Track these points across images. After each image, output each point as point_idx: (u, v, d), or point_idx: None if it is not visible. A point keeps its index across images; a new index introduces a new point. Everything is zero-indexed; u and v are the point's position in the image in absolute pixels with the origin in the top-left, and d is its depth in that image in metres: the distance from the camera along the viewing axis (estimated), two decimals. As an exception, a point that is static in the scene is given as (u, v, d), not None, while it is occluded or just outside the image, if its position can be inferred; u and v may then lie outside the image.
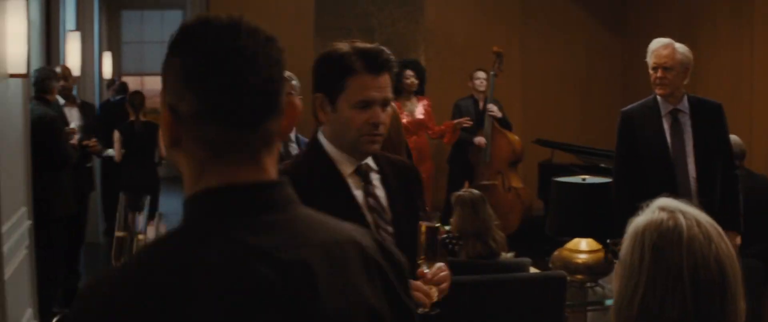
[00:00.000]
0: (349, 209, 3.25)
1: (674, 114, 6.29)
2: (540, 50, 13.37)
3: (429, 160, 10.40)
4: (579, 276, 6.87)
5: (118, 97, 12.92)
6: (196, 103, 1.72)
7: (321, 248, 1.78)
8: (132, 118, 10.04)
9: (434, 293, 3.20)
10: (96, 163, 10.36)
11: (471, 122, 10.44)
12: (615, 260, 2.47)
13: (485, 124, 10.55)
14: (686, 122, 6.29)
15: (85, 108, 9.95)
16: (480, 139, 10.49)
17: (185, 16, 15.00)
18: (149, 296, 1.59)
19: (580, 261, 6.98)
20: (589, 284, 6.95)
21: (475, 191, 6.22)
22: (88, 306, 1.63)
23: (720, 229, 2.32)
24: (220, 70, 1.73)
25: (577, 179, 7.39)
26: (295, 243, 1.73)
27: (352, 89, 3.24)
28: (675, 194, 5.51)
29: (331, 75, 3.28)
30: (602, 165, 10.18)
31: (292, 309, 1.67)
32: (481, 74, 10.79)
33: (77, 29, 11.81)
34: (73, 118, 9.35)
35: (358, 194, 3.36)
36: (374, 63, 3.25)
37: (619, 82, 13.03)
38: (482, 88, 10.72)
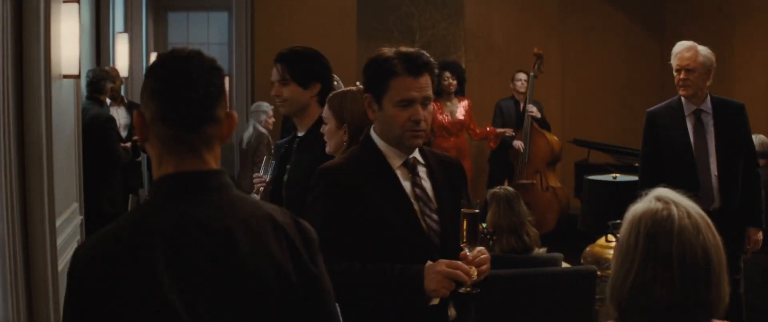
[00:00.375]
0: (397, 198, 3.60)
1: (697, 114, 6.41)
2: (578, 52, 13.45)
3: (468, 159, 10.50)
4: (610, 271, 7.03)
5: None
6: (155, 111, 2.39)
7: (242, 219, 2.42)
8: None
9: (474, 272, 3.45)
10: (144, 158, 10.76)
11: (513, 133, 10.66)
12: (616, 239, 2.70)
13: (524, 125, 10.72)
14: (709, 122, 6.41)
15: (132, 107, 10.25)
16: (518, 144, 10.69)
17: (231, 18, 15.39)
18: (119, 250, 2.29)
19: (611, 256, 7.14)
20: None
21: (510, 188, 6.42)
22: (77, 258, 2.33)
23: (709, 220, 2.53)
24: (170, 88, 2.40)
25: (608, 177, 7.60)
26: (222, 215, 2.39)
27: (395, 90, 3.55)
28: (697, 191, 5.71)
29: (376, 77, 3.61)
30: (636, 164, 10.15)
31: (217, 262, 2.33)
32: (522, 76, 10.98)
33: (125, 31, 12.05)
34: (120, 117, 9.67)
35: (406, 184, 3.64)
36: (414, 65, 3.55)
37: (656, 84, 13.04)
38: (523, 90, 10.91)
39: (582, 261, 7.27)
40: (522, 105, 10.95)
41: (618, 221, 2.72)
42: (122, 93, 10.36)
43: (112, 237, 2.34)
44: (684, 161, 6.40)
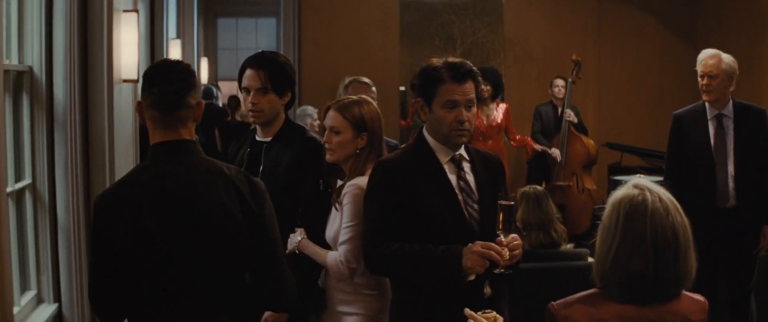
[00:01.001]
0: (443, 189, 4.15)
1: (719, 118, 6.69)
2: (615, 58, 13.56)
3: (504, 161, 10.65)
4: None
5: (206, 101, 13.59)
6: (147, 100, 3.52)
7: (202, 173, 3.49)
8: (228, 118, 10.78)
9: (506, 254, 3.89)
10: None
11: (548, 150, 10.98)
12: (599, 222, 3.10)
13: (562, 129, 10.97)
14: (729, 126, 6.69)
15: None
16: (555, 152, 10.98)
17: (279, 24, 15.44)
18: (118, 194, 3.47)
19: None
20: None
21: (539, 188, 6.73)
22: (95, 200, 3.54)
23: (677, 204, 2.96)
24: (155, 84, 3.52)
25: (633, 177, 7.88)
26: (189, 170, 3.48)
27: (441, 94, 4.14)
28: (714, 190, 6.07)
29: (427, 84, 4.20)
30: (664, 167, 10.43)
31: (183, 203, 3.44)
32: (560, 82, 11.27)
33: (178, 37, 12.40)
34: None
35: (452, 177, 4.18)
36: (458, 73, 4.14)
37: (690, 89, 12.66)
38: (560, 95, 11.21)
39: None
40: (560, 110, 11.20)
41: (603, 206, 3.11)
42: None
43: (116, 186, 3.58)
44: (703, 161, 6.67)
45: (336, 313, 4.56)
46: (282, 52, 13.68)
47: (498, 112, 10.36)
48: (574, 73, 11.10)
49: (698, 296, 3.11)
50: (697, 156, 6.77)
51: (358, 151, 4.51)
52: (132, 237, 3.34)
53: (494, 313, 3.37)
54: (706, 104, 6.77)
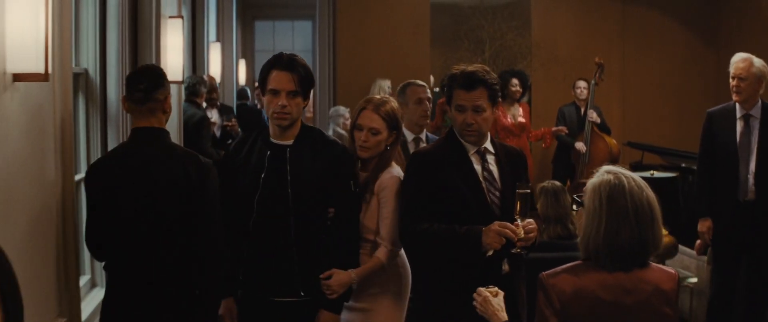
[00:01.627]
0: (469, 177, 4.65)
1: (746, 118, 7.01)
2: (638, 61, 13.81)
3: (529, 158, 10.94)
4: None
5: (239, 102, 14.06)
6: (127, 95, 4.51)
7: (159, 152, 4.46)
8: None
9: (521, 233, 4.36)
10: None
11: (566, 130, 11.28)
12: (578, 208, 3.54)
13: (585, 129, 11.28)
14: (755, 125, 7.00)
15: (223, 109, 11.28)
16: (580, 145, 11.26)
17: (315, 27, 15.74)
18: (100, 165, 4.59)
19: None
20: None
21: (557, 183, 7.08)
22: (88, 169, 4.68)
23: (645, 183, 3.44)
24: (131, 83, 4.50)
25: (646, 173, 8.24)
26: (154, 150, 4.46)
27: (455, 99, 4.68)
28: (736, 185, 6.44)
29: (446, 89, 4.82)
30: (683, 165, 10.83)
31: (142, 173, 4.40)
32: (582, 83, 11.58)
33: (217, 40, 12.77)
34: (214, 117, 10.67)
35: (477, 167, 4.67)
36: (467, 81, 4.63)
37: (712, 91, 13.27)
38: (583, 96, 11.51)
39: None
40: (583, 110, 11.51)
41: (579, 194, 3.57)
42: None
43: (102, 157, 4.98)
44: (728, 157, 7.01)
45: (367, 294, 4.85)
46: (318, 54, 14.37)
47: (521, 112, 10.78)
48: (597, 75, 11.35)
49: (669, 269, 3.57)
50: (723, 152, 7.07)
51: (387, 147, 4.81)
52: (104, 195, 4.41)
53: (496, 288, 3.86)
54: (737, 104, 7.07)
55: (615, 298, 3.39)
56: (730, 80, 7.09)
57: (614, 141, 11.58)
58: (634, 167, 11.55)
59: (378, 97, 4.98)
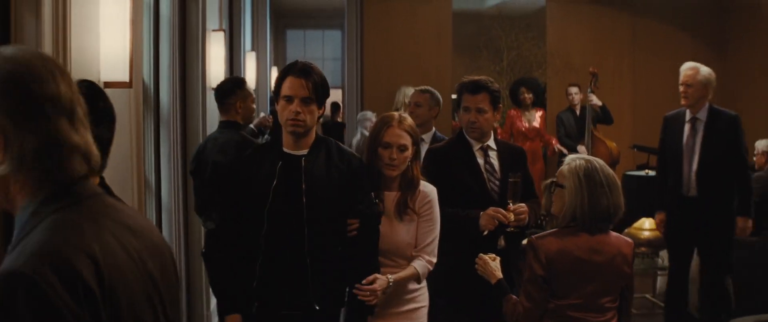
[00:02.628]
0: (473, 169, 5.48)
1: (693, 121, 7.53)
2: (648, 69, 14.28)
3: (541, 161, 11.82)
4: (643, 248, 8.65)
5: (272, 108, 14.55)
6: None
7: (226, 135, 6.43)
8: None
9: (511, 217, 5.20)
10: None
11: (567, 152, 11.58)
12: (554, 190, 4.35)
13: (585, 135, 11.76)
14: (700, 128, 7.48)
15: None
16: (582, 149, 11.64)
17: (343, 35, 16.14)
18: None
19: (643, 237, 8.75)
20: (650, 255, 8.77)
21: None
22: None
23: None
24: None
25: (642, 172, 8.96)
26: (223, 134, 6.46)
27: (463, 102, 5.57)
28: (681, 183, 7.04)
29: (457, 94, 5.67)
30: None
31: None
32: (573, 89, 12.19)
33: (253, 49, 13.34)
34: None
35: (480, 161, 5.50)
36: (473, 87, 5.52)
37: (718, 98, 13.47)
38: (576, 101, 12.11)
39: None
40: (578, 112, 12.06)
41: (552, 180, 4.40)
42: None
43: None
44: (676, 156, 7.54)
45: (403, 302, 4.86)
46: (346, 62, 14.79)
47: (537, 116, 11.44)
48: (592, 83, 11.73)
49: (627, 238, 4.54)
50: (672, 152, 7.60)
51: (410, 162, 4.72)
52: None
53: (493, 255, 4.79)
54: (686, 109, 7.62)
55: (588, 257, 4.27)
56: (679, 87, 7.64)
57: (614, 144, 12.03)
58: (639, 168, 12.18)
59: (396, 113, 4.82)
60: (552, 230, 4.42)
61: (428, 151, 5.71)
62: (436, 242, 4.73)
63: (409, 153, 4.67)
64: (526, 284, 4.33)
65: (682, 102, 7.70)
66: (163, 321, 2.12)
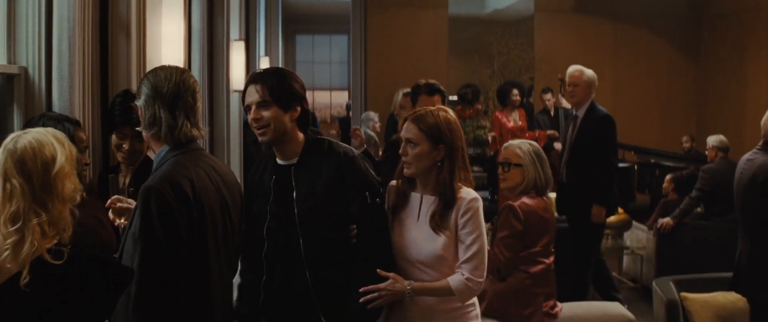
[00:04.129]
0: None
1: (575, 118, 8.09)
2: (629, 73, 15.12)
3: None
4: (608, 231, 9.51)
5: None
6: None
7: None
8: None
9: None
10: None
11: (557, 134, 12.42)
12: (509, 169, 5.49)
13: (560, 132, 12.34)
14: (577, 123, 8.00)
15: None
16: (558, 145, 12.15)
17: (349, 41, 16.76)
18: None
19: (608, 221, 9.38)
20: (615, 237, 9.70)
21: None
22: None
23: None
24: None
25: None
26: None
27: (419, 102, 6.47)
28: (558, 172, 8.04)
29: (412, 94, 6.63)
30: (652, 160, 12.30)
31: None
32: (546, 95, 12.94)
33: (266, 54, 14.04)
34: None
35: None
36: (429, 89, 6.50)
37: (693, 99, 14.86)
38: (550, 104, 12.87)
39: None
40: (552, 112, 12.79)
41: (504, 160, 5.56)
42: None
43: None
44: (563, 148, 8.26)
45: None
46: (351, 65, 15.48)
47: (520, 116, 12.19)
48: (562, 88, 11.81)
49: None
50: (563, 143, 8.25)
51: (438, 163, 4.18)
52: None
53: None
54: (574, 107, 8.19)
55: (545, 214, 5.48)
56: (567, 87, 8.02)
57: None
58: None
59: (424, 108, 4.31)
60: (521, 196, 5.50)
61: (389, 142, 5.97)
62: (481, 256, 4.11)
63: (420, 150, 4.14)
64: (505, 238, 5.38)
65: (570, 100, 8.21)
66: (228, 221, 3.66)
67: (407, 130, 4.21)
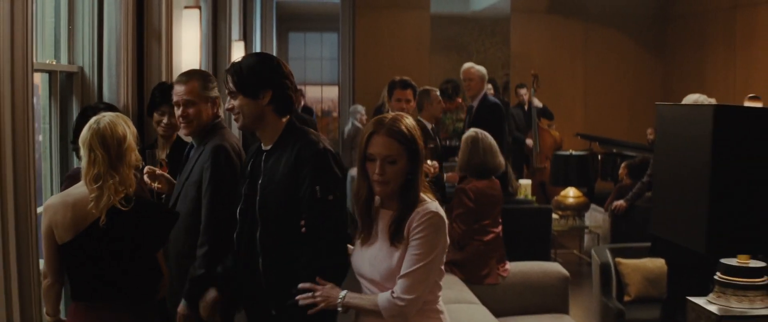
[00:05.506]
0: None
1: (470, 109, 8.97)
2: (598, 69, 15.79)
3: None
4: (569, 212, 10.52)
5: None
6: None
7: None
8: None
9: (430, 170, 6.32)
10: None
11: (531, 147, 13.26)
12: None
13: (532, 126, 13.28)
14: (473, 113, 8.79)
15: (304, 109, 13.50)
16: (529, 142, 13.29)
17: (339, 38, 17.11)
18: None
19: (568, 203, 10.62)
20: (574, 217, 10.57)
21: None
22: None
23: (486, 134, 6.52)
24: None
25: (566, 152, 10.92)
26: None
27: (394, 95, 7.30)
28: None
29: (389, 89, 7.36)
30: (614, 150, 13.09)
31: None
32: (522, 90, 13.76)
33: (262, 51, 14.19)
34: None
35: None
36: (403, 84, 7.29)
37: (659, 94, 15.55)
38: (525, 99, 13.64)
39: (551, 206, 10.27)
40: (526, 106, 13.54)
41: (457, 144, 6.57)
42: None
43: None
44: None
45: None
46: (340, 61, 16.14)
47: None
48: (535, 84, 13.22)
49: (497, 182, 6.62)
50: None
51: (409, 177, 3.67)
52: None
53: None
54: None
55: (490, 192, 6.42)
56: (463, 82, 8.85)
57: (557, 133, 13.43)
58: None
59: (391, 114, 3.75)
60: (470, 179, 6.46)
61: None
62: (419, 276, 3.56)
63: (400, 165, 3.62)
64: (461, 215, 6.31)
65: (467, 93, 9.02)
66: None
67: (384, 146, 3.61)
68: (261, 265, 3.99)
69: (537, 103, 13.34)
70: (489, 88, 12.27)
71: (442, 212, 3.64)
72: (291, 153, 3.92)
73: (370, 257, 3.71)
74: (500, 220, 6.61)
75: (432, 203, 3.65)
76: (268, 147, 4.02)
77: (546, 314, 6.54)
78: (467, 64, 8.99)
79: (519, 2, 16.14)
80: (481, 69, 8.97)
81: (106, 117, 4.02)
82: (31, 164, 3.84)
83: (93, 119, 4.00)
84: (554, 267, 6.80)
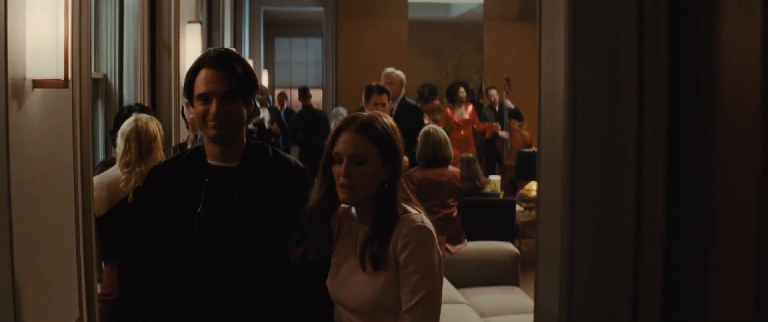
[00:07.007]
0: None
1: (391, 110, 8.63)
2: None
3: (473, 146, 13.57)
4: (532, 204, 11.14)
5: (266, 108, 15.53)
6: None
7: None
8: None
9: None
10: (280, 143, 13.87)
11: (500, 128, 13.86)
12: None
13: (504, 125, 13.82)
14: (392, 115, 8.57)
15: (272, 111, 13.99)
16: (504, 133, 13.89)
17: (323, 43, 17.60)
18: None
19: (532, 195, 11.20)
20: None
21: (471, 155, 10.06)
22: None
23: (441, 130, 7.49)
24: None
25: (530, 149, 11.72)
26: None
27: (372, 99, 7.77)
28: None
29: (367, 93, 7.86)
30: None
31: None
32: (493, 92, 14.32)
33: (250, 56, 15.35)
34: (265, 115, 13.09)
35: None
36: (378, 89, 7.83)
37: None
38: (496, 100, 14.17)
39: (516, 198, 10.92)
40: (496, 108, 14.08)
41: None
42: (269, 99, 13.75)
43: None
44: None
45: None
46: (324, 66, 16.56)
47: (467, 111, 13.67)
48: (507, 86, 13.84)
49: (456, 169, 7.47)
50: None
51: (384, 184, 3.15)
52: None
53: None
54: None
55: (437, 178, 7.24)
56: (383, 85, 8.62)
57: (527, 132, 13.94)
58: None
59: (365, 113, 3.20)
60: (417, 167, 7.26)
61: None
62: (429, 304, 3.04)
63: (371, 167, 3.09)
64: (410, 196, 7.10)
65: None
66: None
67: (352, 144, 3.07)
68: (247, 302, 3.32)
69: (509, 104, 13.92)
70: (461, 91, 13.48)
71: (428, 223, 3.10)
72: (278, 172, 3.42)
73: (350, 285, 3.15)
74: (452, 203, 7.37)
75: (416, 215, 3.12)
76: (232, 164, 3.34)
77: (499, 286, 7.36)
78: (388, 69, 9.33)
79: (492, 10, 16.76)
80: (401, 74, 9.33)
81: (143, 117, 4.99)
82: (88, 158, 4.01)
83: (134, 116, 4.98)
84: (507, 246, 7.62)
